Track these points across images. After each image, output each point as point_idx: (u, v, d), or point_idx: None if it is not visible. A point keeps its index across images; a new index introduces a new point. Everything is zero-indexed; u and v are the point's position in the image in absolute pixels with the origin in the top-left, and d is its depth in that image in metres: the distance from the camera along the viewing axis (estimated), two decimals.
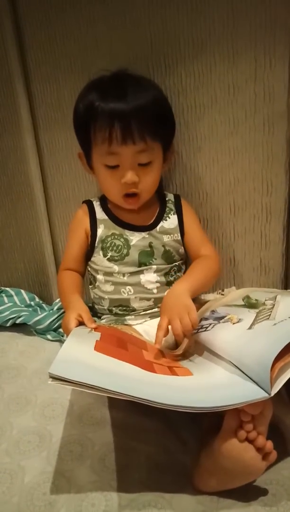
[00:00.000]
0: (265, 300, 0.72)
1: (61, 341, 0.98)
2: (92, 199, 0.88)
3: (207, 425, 0.62)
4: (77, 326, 0.70)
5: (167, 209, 0.86)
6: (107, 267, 0.83)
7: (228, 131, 0.86)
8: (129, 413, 0.72)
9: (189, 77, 0.84)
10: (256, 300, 0.73)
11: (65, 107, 0.95)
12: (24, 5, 0.92)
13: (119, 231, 0.83)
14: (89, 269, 0.88)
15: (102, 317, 0.88)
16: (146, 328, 0.81)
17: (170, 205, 0.87)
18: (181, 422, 0.69)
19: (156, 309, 0.84)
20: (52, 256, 1.11)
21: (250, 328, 0.63)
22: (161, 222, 0.85)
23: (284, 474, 0.59)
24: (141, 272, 0.82)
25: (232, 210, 0.91)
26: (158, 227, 0.84)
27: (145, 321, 0.84)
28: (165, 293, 0.82)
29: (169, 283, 0.84)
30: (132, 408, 0.71)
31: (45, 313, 1.04)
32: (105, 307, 0.86)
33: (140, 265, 0.82)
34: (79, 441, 0.68)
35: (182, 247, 0.86)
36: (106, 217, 0.85)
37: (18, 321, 1.03)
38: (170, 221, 0.85)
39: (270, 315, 0.65)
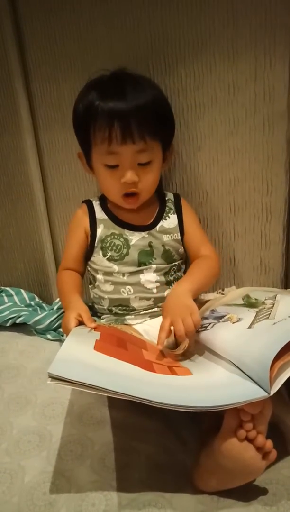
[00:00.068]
0: (265, 299, 0.72)
1: (61, 341, 0.98)
2: (91, 199, 0.88)
3: (207, 424, 0.62)
4: (76, 326, 0.70)
5: (166, 208, 0.86)
6: (106, 266, 0.83)
7: (228, 131, 0.86)
8: (129, 413, 0.72)
9: (189, 77, 0.85)
10: (256, 299, 0.73)
11: (65, 107, 0.95)
12: (24, 5, 0.92)
13: (119, 230, 0.83)
14: (88, 269, 0.88)
15: (102, 317, 0.87)
16: (146, 328, 0.81)
17: (170, 205, 0.87)
18: (181, 422, 0.69)
19: (156, 309, 0.84)
20: (52, 256, 1.11)
21: (249, 327, 0.63)
22: (161, 221, 0.85)
23: (284, 474, 0.59)
24: (140, 271, 0.82)
25: (232, 210, 0.91)
26: (157, 227, 0.84)
27: (145, 320, 0.84)
28: (165, 293, 0.82)
29: (169, 283, 0.84)
30: (132, 408, 0.71)
31: (45, 313, 1.04)
32: (105, 307, 0.86)
33: (139, 264, 0.82)
34: (79, 441, 0.68)
35: (182, 247, 0.86)
36: (105, 217, 0.85)
37: (18, 321, 1.03)
38: (170, 221, 0.85)
39: (269, 314, 0.65)
